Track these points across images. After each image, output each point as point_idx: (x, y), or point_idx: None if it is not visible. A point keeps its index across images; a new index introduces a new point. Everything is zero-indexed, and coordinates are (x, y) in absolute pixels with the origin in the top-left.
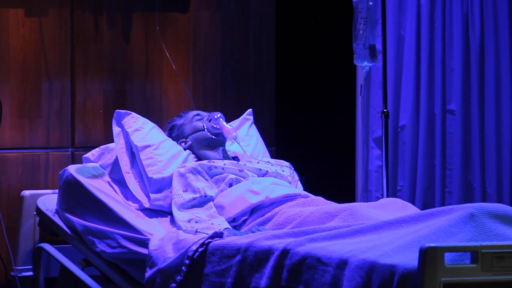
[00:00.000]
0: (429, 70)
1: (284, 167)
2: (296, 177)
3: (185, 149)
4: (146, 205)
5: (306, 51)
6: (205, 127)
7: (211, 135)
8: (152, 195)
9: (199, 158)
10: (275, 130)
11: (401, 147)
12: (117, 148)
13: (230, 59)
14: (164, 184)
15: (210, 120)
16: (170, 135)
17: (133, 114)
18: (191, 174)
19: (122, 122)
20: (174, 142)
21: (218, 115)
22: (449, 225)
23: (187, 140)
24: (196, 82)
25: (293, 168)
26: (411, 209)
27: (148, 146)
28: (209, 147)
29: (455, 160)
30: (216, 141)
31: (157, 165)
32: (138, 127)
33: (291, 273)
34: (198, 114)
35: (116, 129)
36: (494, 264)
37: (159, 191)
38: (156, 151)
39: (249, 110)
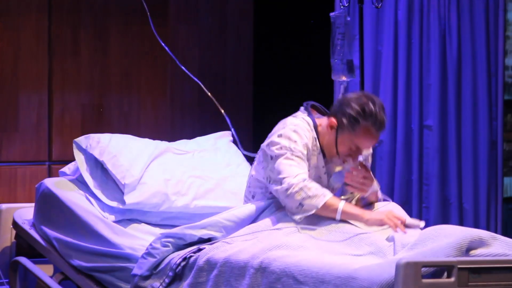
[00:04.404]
0: (407, 85)
1: None
2: None
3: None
4: (122, 207)
5: (283, 66)
6: None
7: None
8: (127, 197)
9: None
10: (253, 143)
11: (378, 162)
12: (83, 171)
13: (208, 73)
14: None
15: None
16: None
17: (90, 135)
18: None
19: (84, 147)
20: (135, 140)
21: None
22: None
23: None
24: (174, 96)
25: None
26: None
27: (112, 156)
28: None
29: (432, 176)
30: None
31: (126, 171)
32: (99, 144)
33: None
34: None
35: (79, 158)
36: (471, 279)
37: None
38: (120, 157)
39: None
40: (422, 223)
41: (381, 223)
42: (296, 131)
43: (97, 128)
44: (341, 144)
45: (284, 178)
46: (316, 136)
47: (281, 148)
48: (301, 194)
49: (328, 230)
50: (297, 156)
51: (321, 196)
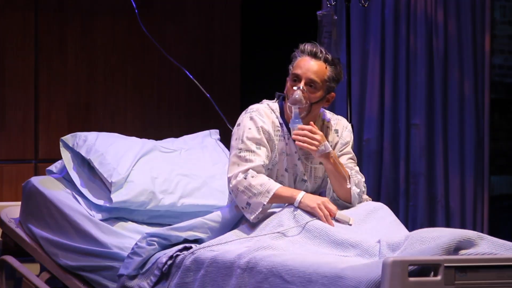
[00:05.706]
0: (393, 84)
1: None
2: None
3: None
4: (109, 205)
5: (270, 64)
6: None
7: None
8: (114, 195)
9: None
10: None
11: (365, 161)
12: (70, 169)
13: (195, 71)
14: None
15: None
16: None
17: (77, 133)
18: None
19: (71, 145)
20: (122, 138)
21: None
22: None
23: None
24: (161, 94)
25: None
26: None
27: (99, 154)
28: None
29: (419, 174)
30: None
31: (113, 169)
32: (85, 142)
33: None
34: None
35: (66, 156)
36: (457, 277)
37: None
38: (107, 156)
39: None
40: (351, 220)
41: (312, 210)
42: (252, 118)
43: (84, 126)
44: (286, 90)
45: (229, 178)
46: (282, 121)
47: (235, 139)
48: (247, 193)
49: (313, 235)
50: (247, 150)
51: (265, 192)
